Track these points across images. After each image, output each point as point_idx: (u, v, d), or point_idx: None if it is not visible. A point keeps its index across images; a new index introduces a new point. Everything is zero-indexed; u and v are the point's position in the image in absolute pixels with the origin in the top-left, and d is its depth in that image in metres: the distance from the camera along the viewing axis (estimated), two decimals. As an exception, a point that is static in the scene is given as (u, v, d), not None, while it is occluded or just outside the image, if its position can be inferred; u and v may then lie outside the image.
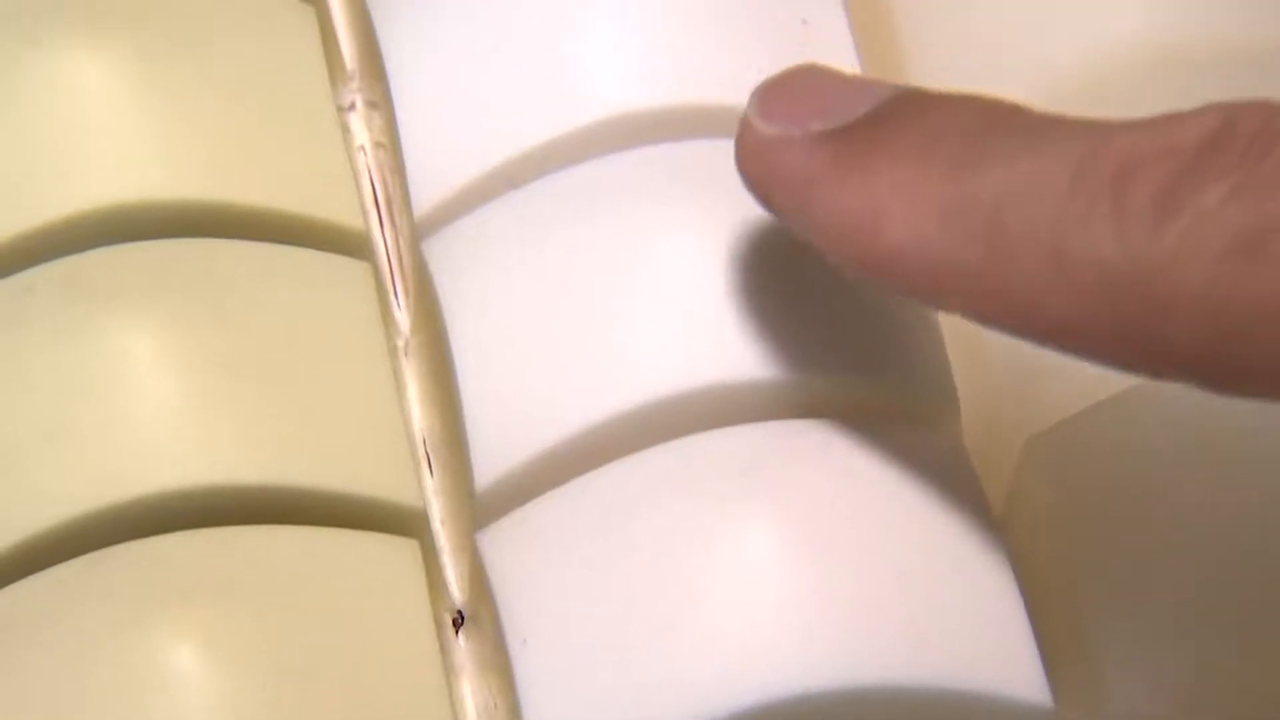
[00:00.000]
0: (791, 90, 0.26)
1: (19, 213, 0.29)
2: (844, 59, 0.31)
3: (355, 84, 0.33)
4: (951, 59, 0.30)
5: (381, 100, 0.32)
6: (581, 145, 0.30)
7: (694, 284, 0.28)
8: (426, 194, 0.30)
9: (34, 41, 0.29)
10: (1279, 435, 0.27)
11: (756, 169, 0.26)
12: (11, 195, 0.29)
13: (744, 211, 0.28)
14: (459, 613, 0.29)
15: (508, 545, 0.28)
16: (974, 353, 0.30)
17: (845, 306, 0.28)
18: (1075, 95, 0.29)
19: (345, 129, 0.32)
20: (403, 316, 0.31)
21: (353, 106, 0.33)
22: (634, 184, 0.29)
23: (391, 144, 0.32)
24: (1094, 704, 0.27)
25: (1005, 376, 0.30)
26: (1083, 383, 0.28)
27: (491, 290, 0.29)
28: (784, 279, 0.28)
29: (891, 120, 0.25)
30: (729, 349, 0.28)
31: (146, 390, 0.27)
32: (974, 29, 0.30)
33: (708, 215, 0.28)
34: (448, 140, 0.30)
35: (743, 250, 0.28)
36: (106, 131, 0.29)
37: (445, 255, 0.30)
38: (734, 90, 0.30)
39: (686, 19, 0.30)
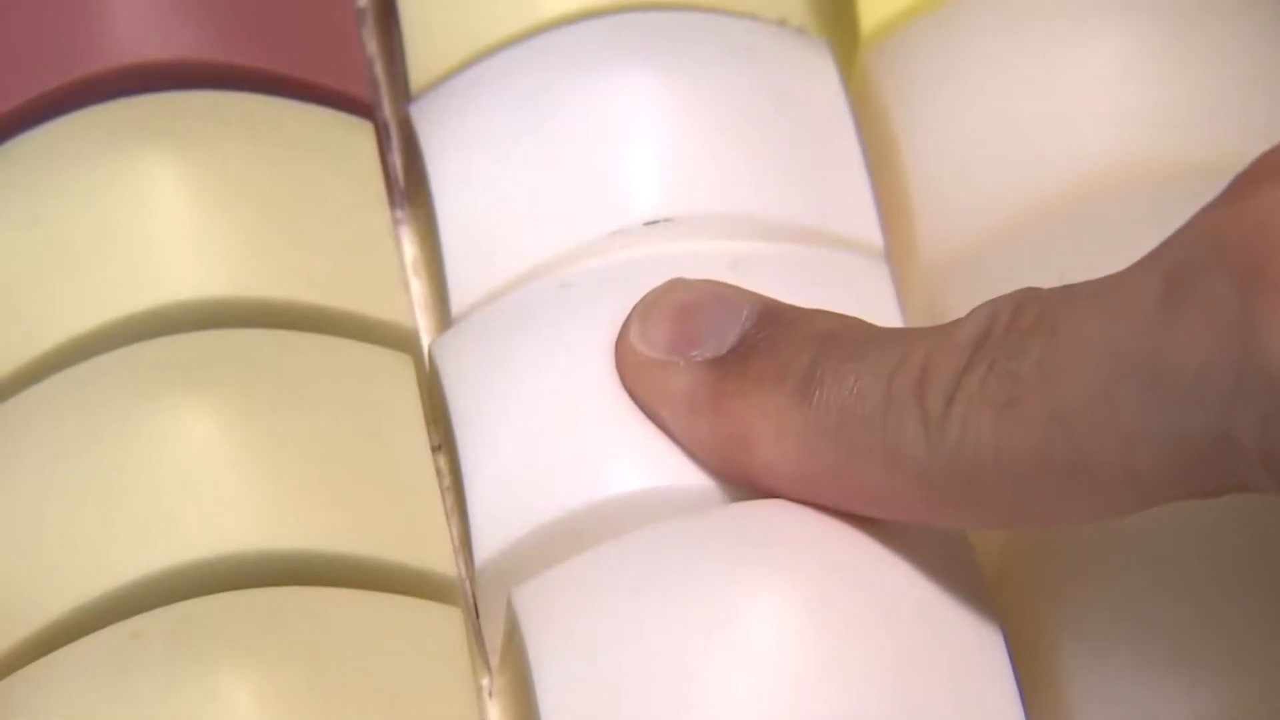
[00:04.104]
0: (664, 310, 0.31)
1: (129, 561, 0.30)
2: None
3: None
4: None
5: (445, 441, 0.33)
6: (641, 510, 0.31)
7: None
8: (487, 542, 0.31)
9: (147, 396, 0.31)
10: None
11: (642, 390, 0.31)
12: (122, 545, 0.30)
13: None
14: None
15: None
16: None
17: None
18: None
19: (440, 471, 0.33)
20: (489, 658, 0.32)
21: (440, 447, 0.34)
22: (717, 544, 0.30)
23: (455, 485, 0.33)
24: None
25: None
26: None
27: (577, 639, 0.30)
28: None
29: (753, 353, 0.30)
30: None
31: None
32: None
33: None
34: (509, 489, 0.31)
35: None
36: (212, 484, 0.30)
37: (535, 605, 0.31)
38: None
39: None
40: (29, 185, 0.33)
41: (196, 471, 0.30)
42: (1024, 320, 0.27)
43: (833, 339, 0.29)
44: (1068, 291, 0.27)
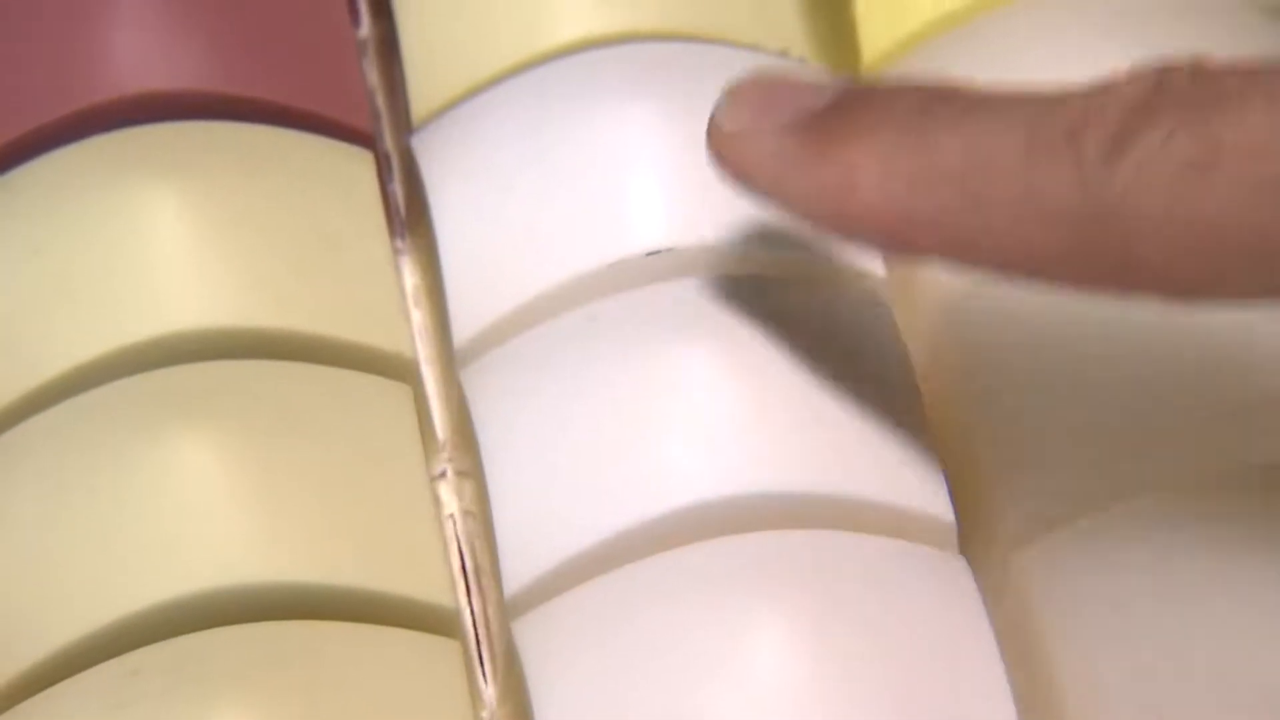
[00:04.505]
0: (754, 93, 0.29)
1: (129, 594, 0.30)
2: (924, 449, 0.32)
3: (446, 454, 0.34)
4: None
5: (472, 469, 0.33)
6: (670, 533, 0.31)
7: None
8: (517, 572, 0.31)
9: (146, 428, 0.31)
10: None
11: (731, 160, 0.29)
12: (121, 577, 0.30)
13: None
14: None
15: None
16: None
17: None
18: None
19: (435, 498, 0.33)
20: (489, 690, 0.32)
21: (443, 475, 0.34)
22: (718, 576, 0.30)
23: (481, 513, 0.33)
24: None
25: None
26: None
27: (581, 675, 0.30)
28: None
29: (850, 106, 0.28)
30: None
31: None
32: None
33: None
34: (540, 518, 0.31)
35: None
36: (211, 516, 0.30)
37: (536, 637, 0.31)
38: (817, 475, 0.31)
39: (773, 407, 0.31)
40: (30, 216, 0.33)
41: (196, 504, 0.30)
42: (1225, 83, 0.25)
43: (945, 89, 0.28)
44: None
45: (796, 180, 0.28)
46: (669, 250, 0.33)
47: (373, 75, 0.37)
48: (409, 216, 0.36)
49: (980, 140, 0.27)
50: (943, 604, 0.30)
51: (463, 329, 0.33)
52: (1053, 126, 0.26)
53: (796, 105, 0.29)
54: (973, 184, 0.27)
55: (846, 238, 0.29)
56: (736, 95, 0.30)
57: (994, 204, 0.27)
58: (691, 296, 0.32)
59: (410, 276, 0.35)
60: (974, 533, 0.32)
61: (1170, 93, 0.26)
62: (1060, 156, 0.26)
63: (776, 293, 0.32)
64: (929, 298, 0.33)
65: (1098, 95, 0.26)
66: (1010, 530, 0.31)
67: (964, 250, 0.27)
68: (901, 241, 0.28)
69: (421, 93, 0.35)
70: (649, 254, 0.33)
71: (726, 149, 0.29)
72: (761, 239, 0.33)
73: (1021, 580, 0.31)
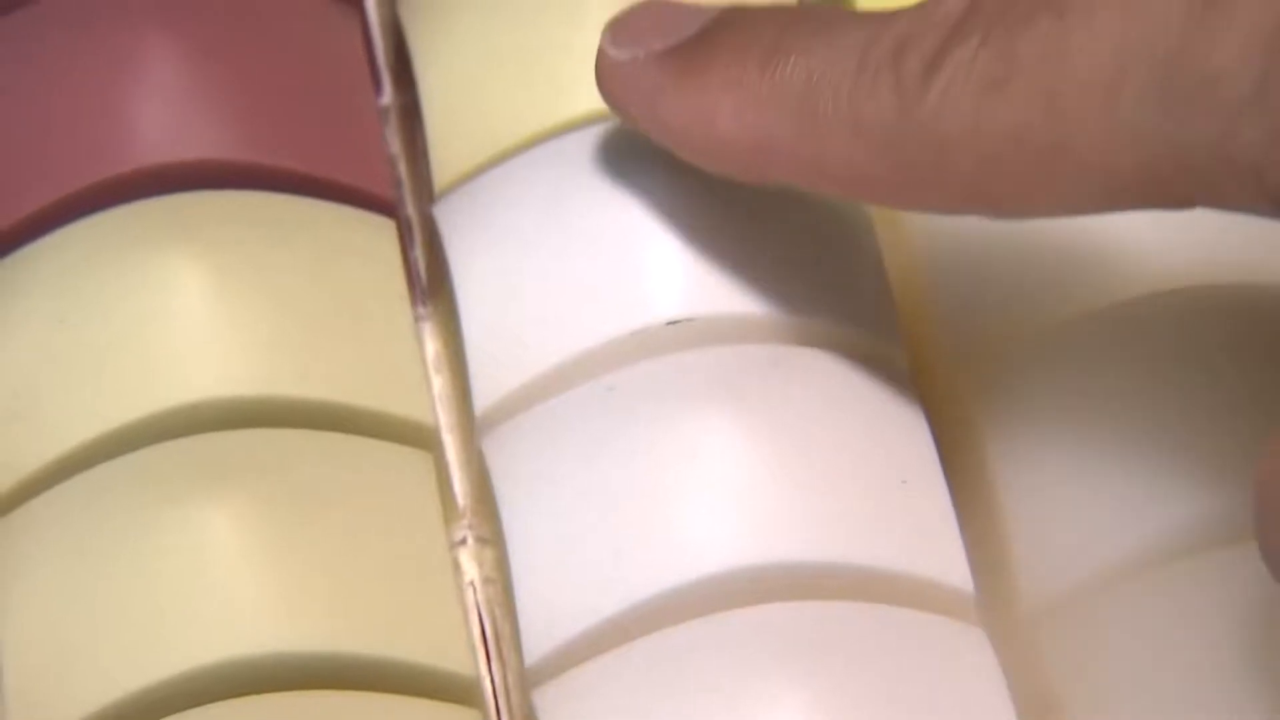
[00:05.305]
0: (635, 20, 0.31)
1: (150, 665, 0.30)
2: (943, 519, 0.32)
3: (466, 521, 0.34)
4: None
5: (493, 537, 0.33)
6: (690, 602, 0.31)
7: None
8: (537, 641, 0.31)
9: (168, 497, 0.31)
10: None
11: (612, 88, 0.31)
12: (142, 647, 0.30)
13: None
14: None
15: None
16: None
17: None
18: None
19: (456, 565, 0.33)
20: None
21: (464, 542, 0.34)
22: (734, 649, 0.30)
23: (502, 580, 0.33)
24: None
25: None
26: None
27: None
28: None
29: (717, 33, 0.30)
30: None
31: None
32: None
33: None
34: (560, 587, 0.31)
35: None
36: (231, 586, 0.30)
37: (556, 706, 0.31)
38: (835, 545, 0.31)
39: (791, 476, 0.31)
40: (55, 286, 0.33)
41: (217, 573, 0.30)
42: (1023, 1, 0.26)
43: (801, 16, 0.29)
44: None
45: (666, 110, 0.30)
46: (689, 320, 0.33)
47: (395, 143, 0.37)
48: (430, 284, 0.36)
49: (820, 63, 0.28)
50: (962, 677, 0.30)
51: (483, 396, 0.33)
52: (881, 47, 0.27)
53: (675, 32, 0.30)
54: (811, 107, 0.28)
55: (714, 168, 0.30)
56: (619, 23, 0.31)
57: (828, 127, 0.28)
58: (712, 366, 0.32)
59: (431, 344, 0.36)
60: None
61: (985, 10, 0.27)
62: (883, 78, 0.27)
63: (795, 362, 0.32)
64: (944, 363, 0.34)
65: (921, 14, 0.27)
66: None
67: (810, 175, 0.29)
68: (757, 169, 0.29)
69: (443, 161, 0.35)
70: (669, 323, 0.33)
71: (608, 76, 0.31)
72: (781, 307, 0.33)
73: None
